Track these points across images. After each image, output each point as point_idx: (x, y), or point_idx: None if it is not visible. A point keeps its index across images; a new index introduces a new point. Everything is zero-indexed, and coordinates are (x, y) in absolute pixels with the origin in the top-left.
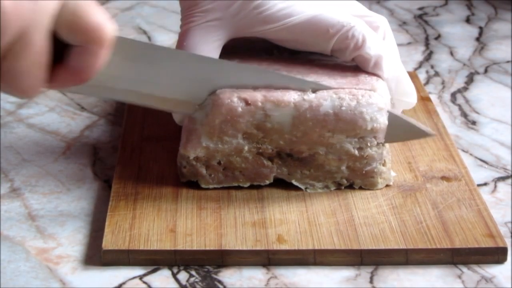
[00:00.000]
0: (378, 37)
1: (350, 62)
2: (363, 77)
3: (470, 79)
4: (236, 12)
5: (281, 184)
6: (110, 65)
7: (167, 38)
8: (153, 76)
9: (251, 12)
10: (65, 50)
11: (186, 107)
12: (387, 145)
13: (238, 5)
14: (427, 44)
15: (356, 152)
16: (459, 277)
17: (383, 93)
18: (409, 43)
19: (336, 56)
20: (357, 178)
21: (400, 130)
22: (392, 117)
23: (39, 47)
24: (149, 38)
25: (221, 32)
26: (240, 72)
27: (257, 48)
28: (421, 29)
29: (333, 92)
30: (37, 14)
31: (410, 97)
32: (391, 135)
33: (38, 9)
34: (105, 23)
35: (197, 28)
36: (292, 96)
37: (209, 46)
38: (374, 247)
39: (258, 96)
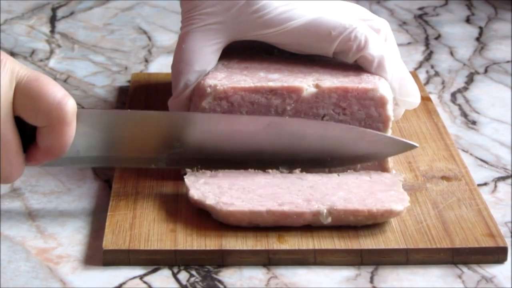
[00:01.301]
0: (380, 39)
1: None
2: (365, 76)
3: (470, 79)
4: (236, 15)
5: None
6: (81, 135)
7: (167, 38)
8: (126, 140)
9: (252, 15)
10: (36, 130)
11: (164, 163)
12: None
13: (238, 9)
14: (427, 44)
15: None
16: (459, 277)
17: (385, 92)
18: (409, 43)
19: (338, 58)
20: None
21: (385, 146)
22: (373, 136)
23: (7, 136)
24: (149, 38)
25: (221, 35)
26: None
27: (257, 48)
28: (421, 29)
29: None
30: None
31: (413, 98)
32: (378, 153)
33: None
34: (64, 100)
35: (197, 31)
36: None
37: (208, 49)
38: (374, 247)
39: None
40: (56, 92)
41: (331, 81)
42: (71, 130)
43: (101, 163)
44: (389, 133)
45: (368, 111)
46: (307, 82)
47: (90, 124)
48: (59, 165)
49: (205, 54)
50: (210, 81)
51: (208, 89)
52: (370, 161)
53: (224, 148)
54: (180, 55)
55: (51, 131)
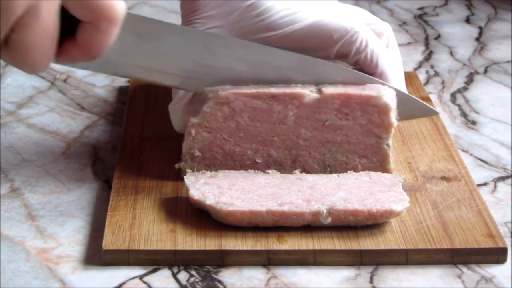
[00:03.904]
0: (381, 42)
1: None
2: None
3: (470, 79)
4: (237, 20)
5: None
6: (119, 41)
7: None
8: (162, 52)
9: (253, 20)
10: (76, 25)
11: (193, 84)
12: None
13: (239, 13)
14: (427, 44)
15: None
16: (459, 277)
17: (389, 99)
18: (409, 43)
19: (339, 60)
20: None
21: (409, 108)
22: (401, 96)
23: (48, 20)
24: None
25: None
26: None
27: None
28: (421, 29)
29: None
30: None
31: None
32: (400, 113)
33: None
34: (116, 1)
35: None
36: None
37: None
38: (374, 247)
39: None
40: None
41: (334, 87)
42: (116, 31)
43: (135, 73)
44: (390, 139)
45: (371, 117)
46: (309, 88)
47: (133, 31)
48: (89, 69)
49: None
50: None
51: (210, 94)
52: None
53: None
54: None
55: (96, 28)
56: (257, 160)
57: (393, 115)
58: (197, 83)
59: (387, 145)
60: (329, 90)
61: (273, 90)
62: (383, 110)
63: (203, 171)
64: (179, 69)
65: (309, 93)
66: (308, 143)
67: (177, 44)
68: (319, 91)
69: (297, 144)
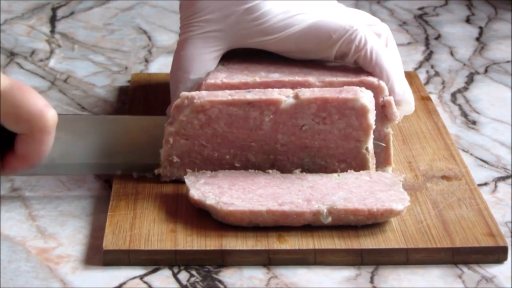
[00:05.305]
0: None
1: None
2: (364, 77)
3: (470, 79)
4: (235, 23)
5: None
6: (57, 142)
7: (167, 38)
8: (101, 145)
9: (251, 23)
10: (14, 138)
11: (142, 169)
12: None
13: (237, 16)
14: (427, 44)
15: None
16: (460, 277)
17: (367, 101)
18: (409, 43)
19: (338, 60)
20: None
21: None
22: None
23: None
24: (149, 38)
25: (220, 43)
26: None
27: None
28: (421, 29)
29: None
30: None
31: (408, 106)
32: None
33: None
34: (46, 109)
35: (196, 38)
36: None
37: (207, 56)
38: (374, 247)
39: None
40: (38, 101)
41: (311, 91)
42: (50, 139)
43: (75, 170)
44: (370, 141)
45: (349, 120)
46: (285, 93)
47: (65, 130)
48: (32, 175)
49: (204, 62)
50: (190, 92)
51: (186, 101)
52: None
53: None
54: (178, 62)
55: (31, 139)
56: (236, 165)
57: (372, 117)
58: (147, 167)
59: (366, 149)
60: (305, 94)
61: (249, 96)
62: (360, 112)
63: (203, 171)
64: (123, 158)
65: (285, 98)
66: (286, 148)
67: (113, 134)
68: (296, 96)
69: (275, 149)
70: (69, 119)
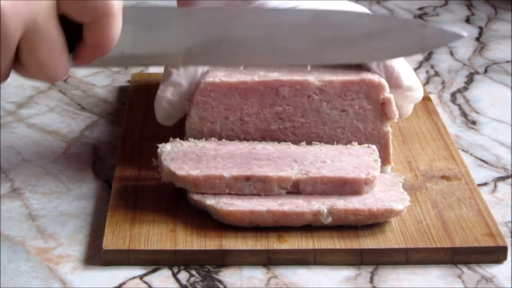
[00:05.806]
0: None
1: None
2: (364, 75)
3: (470, 79)
4: None
5: None
6: (126, 32)
7: None
8: (171, 36)
9: None
10: (81, 29)
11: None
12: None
13: None
14: None
15: None
16: (459, 276)
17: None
18: None
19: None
20: None
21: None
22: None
23: (50, 34)
24: None
25: None
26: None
27: None
28: None
29: None
30: (37, 5)
31: (417, 92)
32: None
33: (37, 1)
34: None
35: None
36: None
37: None
38: (374, 247)
39: None
40: None
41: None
42: (118, 23)
43: (151, 61)
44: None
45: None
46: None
47: (134, 22)
48: (105, 66)
49: None
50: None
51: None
52: (413, 53)
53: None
54: None
55: (98, 26)
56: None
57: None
58: (213, 60)
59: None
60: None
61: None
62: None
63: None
64: (192, 48)
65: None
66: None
67: (183, 26)
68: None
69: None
70: (137, 10)
